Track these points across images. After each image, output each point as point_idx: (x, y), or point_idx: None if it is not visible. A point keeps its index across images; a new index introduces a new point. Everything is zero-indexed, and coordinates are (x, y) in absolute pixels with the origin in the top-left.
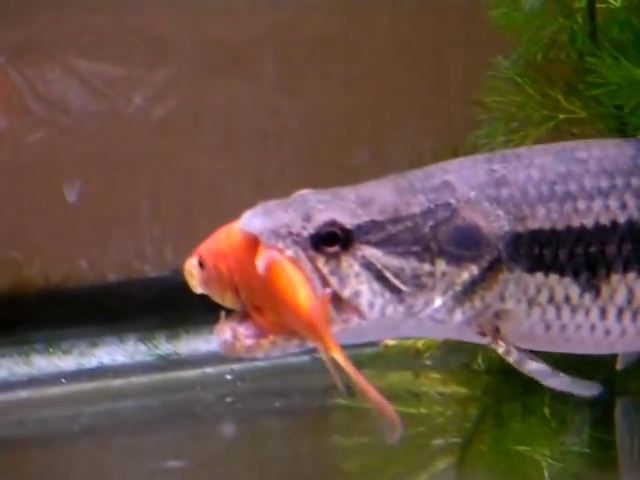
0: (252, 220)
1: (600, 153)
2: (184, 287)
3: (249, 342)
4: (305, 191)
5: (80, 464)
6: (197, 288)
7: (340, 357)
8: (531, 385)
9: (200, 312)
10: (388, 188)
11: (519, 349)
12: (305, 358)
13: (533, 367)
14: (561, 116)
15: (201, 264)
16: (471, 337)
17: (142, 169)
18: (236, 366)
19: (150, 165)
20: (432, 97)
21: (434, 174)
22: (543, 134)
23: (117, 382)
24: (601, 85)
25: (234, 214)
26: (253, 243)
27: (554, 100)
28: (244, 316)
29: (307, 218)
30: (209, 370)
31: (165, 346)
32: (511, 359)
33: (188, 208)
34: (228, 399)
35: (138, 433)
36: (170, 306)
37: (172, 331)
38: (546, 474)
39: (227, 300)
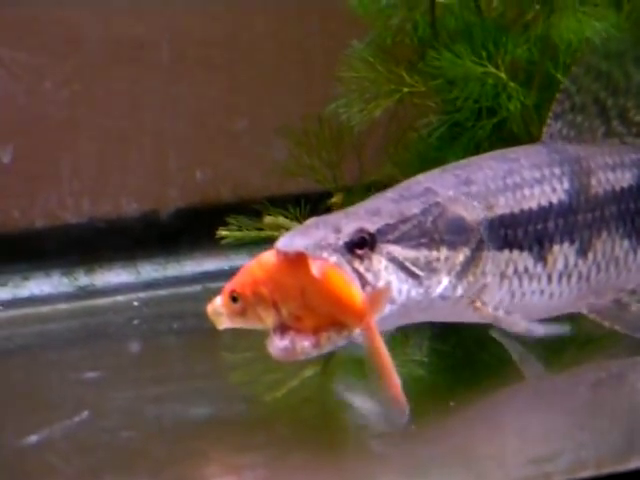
0: (293, 241)
1: (524, 153)
2: (98, 231)
3: (306, 344)
4: (314, 218)
5: (16, 375)
6: (224, 323)
7: (380, 341)
8: None
9: (111, 251)
10: (385, 201)
11: (500, 312)
12: (198, 287)
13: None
14: (405, 89)
15: (234, 298)
16: (464, 313)
17: (62, 135)
18: (141, 294)
19: (69, 131)
20: (299, 75)
21: (413, 186)
22: (390, 105)
23: (45, 308)
24: (439, 76)
25: (136, 176)
26: (293, 263)
27: (399, 76)
28: (284, 328)
29: (337, 230)
30: (119, 298)
31: (84, 279)
32: (503, 324)
33: (102, 167)
34: (135, 322)
35: (63, 350)
36: (87, 247)
37: (89, 267)
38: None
39: (266, 319)
